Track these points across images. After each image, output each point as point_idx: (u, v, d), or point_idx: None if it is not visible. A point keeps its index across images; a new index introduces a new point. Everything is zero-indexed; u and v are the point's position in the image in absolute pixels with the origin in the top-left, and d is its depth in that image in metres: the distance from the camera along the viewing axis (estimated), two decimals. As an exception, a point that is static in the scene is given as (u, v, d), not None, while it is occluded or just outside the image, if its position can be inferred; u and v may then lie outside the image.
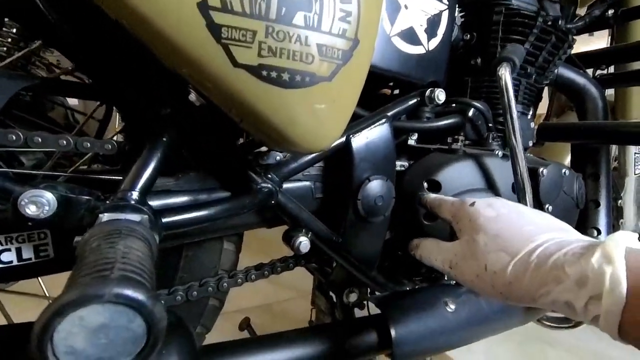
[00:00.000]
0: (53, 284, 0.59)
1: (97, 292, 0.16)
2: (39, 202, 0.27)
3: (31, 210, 0.27)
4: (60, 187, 0.29)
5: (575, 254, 0.26)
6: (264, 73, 0.30)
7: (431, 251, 0.40)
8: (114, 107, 0.68)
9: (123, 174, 0.35)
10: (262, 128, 0.33)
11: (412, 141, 0.62)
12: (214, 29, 0.27)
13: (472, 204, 0.36)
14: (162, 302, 0.17)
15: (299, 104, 0.32)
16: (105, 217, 0.27)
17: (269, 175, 0.45)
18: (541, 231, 0.30)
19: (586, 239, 0.28)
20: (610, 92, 0.99)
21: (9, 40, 0.56)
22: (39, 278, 0.56)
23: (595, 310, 0.24)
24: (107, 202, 0.30)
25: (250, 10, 0.28)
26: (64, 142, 0.36)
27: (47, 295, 0.56)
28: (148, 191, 0.32)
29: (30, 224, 0.27)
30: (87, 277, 0.16)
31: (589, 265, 0.24)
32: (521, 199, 0.56)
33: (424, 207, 0.46)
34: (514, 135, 0.55)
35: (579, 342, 1.11)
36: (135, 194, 0.31)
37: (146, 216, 0.29)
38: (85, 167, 0.56)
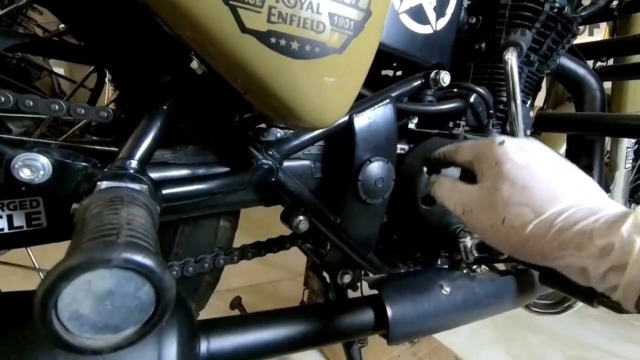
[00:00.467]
0: (43, 256, 0.57)
1: (106, 256, 0.15)
2: (34, 166, 0.26)
3: (25, 174, 0.25)
4: (55, 153, 0.27)
5: (607, 221, 0.25)
6: (273, 40, 0.28)
7: (447, 190, 0.36)
8: (106, 76, 0.65)
9: (117, 145, 0.33)
10: (267, 100, 0.32)
11: (412, 125, 0.61)
12: (222, -11, 0.26)
13: (502, 143, 0.32)
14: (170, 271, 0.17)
15: (307, 76, 0.31)
16: (103, 185, 0.26)
17: (270, 152, 0.44)
18: (574, 193, 0.28)
19: (620, 207, 0.27)
20: (607, 85, 1.00)
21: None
22: (28, 249, 0.55)
23: (614, 280, 0.23)
24: (105, 170, 0.29)
25: (261, -29, 0.26)
26: (57, 107, 0.34)
27: (37, 267, 0.55)
28: (147, 161, 0.31)
29: (23, 188, 0.26)
30: (93, 241, 0.15)
31: (617, 234, 0.23)
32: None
33: (437, 160, 0.43)
34: (517, 121, 0.54)
35: (560, 328, 1.16)
36: (134, 163, 0.29)
37: (146, 186, 0.28)
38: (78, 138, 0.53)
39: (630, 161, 1.07)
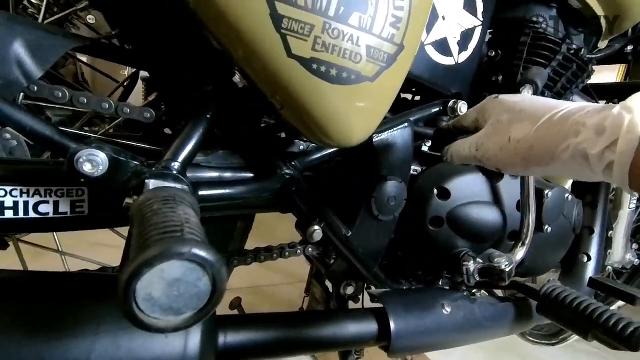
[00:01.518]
0: (65, 241, 0.60)
1: (180, 250, 0.17)
2: (95, 162, 0.28)
3: (87, 168, 0.28)
4: (108, 149, 0.30)
5: (596, 109, 0.28)
6: (315, 66, 0.31)
7: (460, 145, 0.40)
8: (139, 76, 0.68)
9: (147, 143, 0.36)
10: (302, 117, 0.35)
11: (425, 148, 0.64)
12: (276, 19, 0.29)
13: (497, 96, 0.38)
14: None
15: (341, 100, 0.33)
16: (151, 183, 0.29)
17: (293, 163, 0.46)
18: (562, 103, 0.32)
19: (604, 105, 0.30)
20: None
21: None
22: (55, 234, 0.58)
23: (610, 156, 0.25)
24: (153, 169, 0.31)
25: (312, 5, 0.29)
26: (106, 105, 0.37)
27: (60, 249, 0.58)
28: (189, 164, 0.34)
29: (82, 180, 0.29)
30: (164, 236, 0.18)
31: (609, 115, 0.26)
32: (525, 217, 0.58)
33: (447, 131, 0.46)
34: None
35: (549, 358, 1.16)
36: (177, 165, 0.32)
37: (187, 187, 0.30)
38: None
39: (635, 201, 1.09)
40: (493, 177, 0.44)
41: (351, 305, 0.70)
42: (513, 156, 0.32)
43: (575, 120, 0.28)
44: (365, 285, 0.70)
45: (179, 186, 0.29)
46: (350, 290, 0.68)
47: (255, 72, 0.32)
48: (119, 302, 0.17)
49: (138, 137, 0.56)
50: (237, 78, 0.39)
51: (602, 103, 0.89)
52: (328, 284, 0.75)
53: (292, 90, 0.32)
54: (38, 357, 0.24)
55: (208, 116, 0.36)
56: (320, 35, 0.30)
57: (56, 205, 0.33)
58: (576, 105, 0.30)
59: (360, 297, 0.71)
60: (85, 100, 0.36)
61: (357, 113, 0.35)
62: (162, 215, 0.20)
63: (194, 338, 0.29)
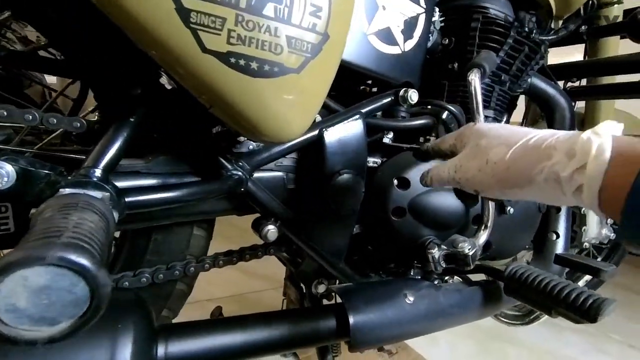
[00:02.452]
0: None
1: (40, 254, 0.16)
2: (-2, 173, 0.27)
3: (-12, 180, 0.27)
4: (21, 161, 0.29)
5: (567, 134, 0.30)
6: (233, 60, 0.30)
7: (439, 168, 0.42)
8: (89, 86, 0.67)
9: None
10: (230, 115, 0.34)
11: (387, 139, 0.64)
12: (183, 13, 0.28)
13: (474, 124, 0.40)
14: (106, 270, 0.18)
15: (266, 93, 0.33)
16: (66, 191, 0.27)
17: (240, 163, 0.45)
18: (536, 130, 0.33)
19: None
20: (581, 104, 1.04)
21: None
22: (2, 254, 0.55)
23: (580, 179, 0.27)
24: (69, 177, 0.30)
25: (220, -3, 0.28)
26: (30, 117, 0.36)
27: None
28: (112, 170, 0.33)
29: (-13, 194, 0.27)
30: (35, 242, 0.17)
31: (578, 139, 0.27)
32: (485, 201, 0.58)
33: (426, 152, 0.47)
34: (481, 138, 0.57)
35: (537, 341, 1.17)
36: (98, 172, 0.31)
37: (107, 194, 0.29)
38: (56, 146, 0.55)
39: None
40: (467, 201, 0.45)
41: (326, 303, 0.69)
42: (490, 178, 0.34)
43: (548, 144, 0.30)
44: (338, 282, 0.70)
45: (97, 193, 0.28)
46: (321, 288, 0.68)
47: (174, 71, 0.31)
48: (-25, 317, 0.16)
49: (81, 151, 0.55)
50: (164, 80, 0.38)
51: (560, 83, 0.91)
52: (302, 284, 0.74)
53: (214, 87, 0.31)
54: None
55: (132, 119, 0.35)
56: (234, 28, 0.30)
57: (-23, 224, 0.32)
58: (549, 131, 0.32)
59: (334, 294, 0.70)
60: (6, 113, 0.34)
61: (287, 106, 0.35)
62: (48, 222, 0.19)
63: (123, 350, 0.28)
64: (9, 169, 0.27)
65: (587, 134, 0.27)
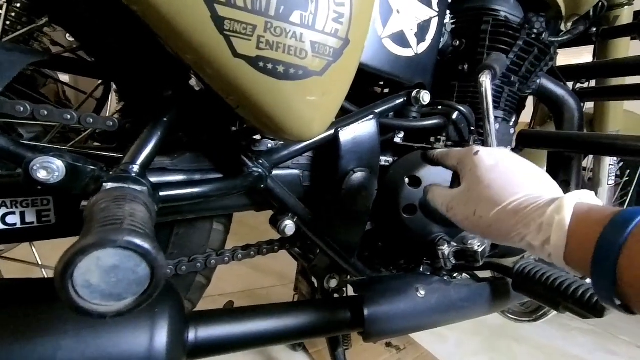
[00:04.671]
0: (46, 255, 0.61)
1: (113, 238, 0.18)
2: (50, 168, 0.29)
3: (42, 175, 0.29)
4: (67, 156, 0.31)
5: (541, 206, 0.32)
6: (261, 64, 0.32)
7: (438, 195, 0.44)
8: (111, 88, 0.70)
9: (120, 152, 0.37)
10: (256, 115, 0.36)
11: (398, 139, 0.66)
12: (218, 21, 0.30)
13: (476, 153, 0.41)
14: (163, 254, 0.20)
15: (291, 95, 0.35)
16: (109, 186, 0.30)
17: (260, 161, 0.48)
18: (525, 187, 0.35)
19: (559, 194, 0.34)
20: (590, 105, 1.05)
21: (13, 14, 0.56)
22: (34, 248, 0.58)
23: (548, 249, 0.30)
24: (111, 173, 0.32)
25: (251, 6, 0.31)
26: (68, 116, 0.38)
27: (40, 263, 0.58)
28: (148, 166, 0.35)
29: (39, 187, 0.30)
30: (102, 227, 0.19)
31: (545, 215, 0.31)
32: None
33: (431, 159, 0.49)
34: (491, 137, 0.59)
35: (544, 339, 1.18)
36: (136, 167, 0.33)
37: (146, 188, 0.32)
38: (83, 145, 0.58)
39: (614, 178, 1.11)
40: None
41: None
42: (475, 228, 0.37)
43: (525, 213, 0.33)
44: (349, 277, 0.72)
45: (137, 187, 0.31)
46: (333, 283, 0.70)
47: (205, 74, 0.34)
48: (57, 290, 0.18)
49: (112, 148, 0.58)
50: (193, 82, 0.40)
51: (569, 84, 0.92)
52: (314, 279, 0.76)
53: (242, 89, 0.34)
54: (7, 357, 0.25)
55: (165, 119, 0.37)
56: (263, 34, 0.32)
57: (22, 215, 0.34)
58: (532, 195, 0.34)
59: (345, 289, 0.72)
60: (46, 112, 0.37)
61: (310, 107, 0.37)
62: (107, 211, 0.22)
63: (160, 332, 0.30)
64: (59, 164, 0.30)
65: (552, 210, 0.31)
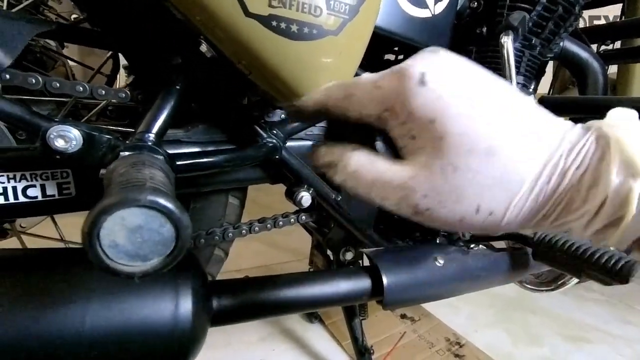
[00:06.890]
0: (68, 233, 0.62)
1: (136, 197, 0.18)
2: (67, 137, 0.29)
3: (59, 143, 0.29)
4: (83, 126, 0.31)
5: (594, 167, 0.20)
6: (274, 23, 0.31)
7: (371, 183, 0.25)
8: (120, 63, 0.69)
9: (132, 128, 0.37)
10: (269, 80, 0.35)
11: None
12: (228, -23, 0.28)
13: (423, 82, 0.22)
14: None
15: (306, 56, 0.33)
16: (126, 154, 0.29)
17: (274, 131, 0.47)
18: (550, 137, 0.21)
19: (576, 130, 0.22)
20: (612, 69, 1.00)
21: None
22: (57, 225, 0.60)
23: (606, 235, 0.20)
24: (127, 142, 0.32)
25: (263, -40, 0.29)
26: (81, 88, 0.38)
27: (64, 238, 0.60)
28: (163, 135, 0.35)
29: (57, 157, 0.30)
30: (125, 188, 0.19)
31: (607, 183, 0.19)
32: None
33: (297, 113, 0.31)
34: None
35: (559, 310, 1.18)
36: (152, 136, 0.33)
37: (162, 157, 0.31)
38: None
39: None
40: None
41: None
42: (478, 230, 0.22)
43: (565, 189, 0.21)
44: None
45: (155, 155, 0.30)
46: (349, 255, 0.70)
47: (216, 36, 0.32)
48: (86, 250, 0.18)
49: (125, 125, 0.57)
50: (204, 47, 0.39)
51: (593, 47, 0.87)
52: (329, 252, 0.77)
53: (254, 51, 0.32)
54: (35, 322, 0.26)
55: (177, 87, 0.36)
56: (275, -10, 0.30)
57: (43, 188, 0.35)
58: (566, 143, 0.22)
59: (360, 262, 0.73)
60: (58, 85, 0.36)
61: (326, 69, 0.35)
62: (127, 175, 0.21)
63: (185, 299, 0.30)
64: (76, 133, 0.29)
65: (617, 172, 0.18)
